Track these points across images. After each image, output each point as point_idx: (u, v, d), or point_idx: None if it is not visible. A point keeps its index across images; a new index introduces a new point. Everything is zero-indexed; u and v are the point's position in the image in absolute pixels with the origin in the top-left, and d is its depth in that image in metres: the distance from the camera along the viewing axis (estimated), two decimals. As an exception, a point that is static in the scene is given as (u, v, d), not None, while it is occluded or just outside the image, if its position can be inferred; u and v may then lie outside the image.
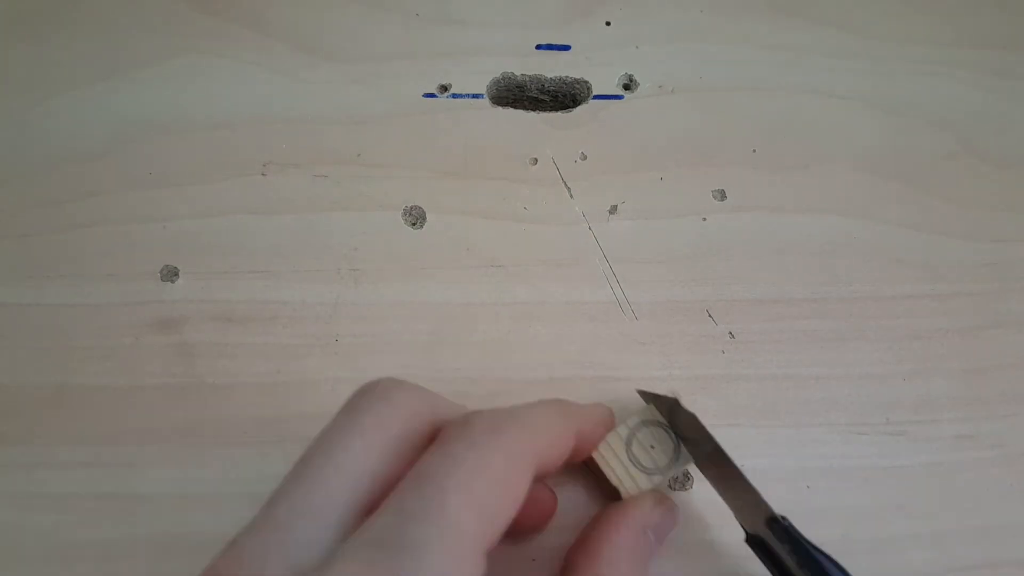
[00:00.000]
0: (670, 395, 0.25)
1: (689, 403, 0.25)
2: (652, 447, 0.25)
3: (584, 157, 0.31)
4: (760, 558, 0.24)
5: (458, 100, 0.32)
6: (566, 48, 0.33)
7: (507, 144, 0.31)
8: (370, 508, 0.18)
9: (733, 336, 0.29)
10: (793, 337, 0.29)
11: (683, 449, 0.25)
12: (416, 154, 0.31)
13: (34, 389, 0.28)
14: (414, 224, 0.30)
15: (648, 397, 0.26)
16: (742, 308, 0.29)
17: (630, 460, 0.25)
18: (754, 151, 0.32)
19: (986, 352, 0.29)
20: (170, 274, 0.29)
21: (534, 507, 0.25)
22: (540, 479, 0.22)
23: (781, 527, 0.22)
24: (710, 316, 0.29)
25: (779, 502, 0.22)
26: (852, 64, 0.33)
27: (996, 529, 0.27)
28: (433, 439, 0.20)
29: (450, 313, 0.29)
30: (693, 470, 0.27)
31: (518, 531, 0.25)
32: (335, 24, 0.33)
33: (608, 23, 0.33)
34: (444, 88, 0.32)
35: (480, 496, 0.18)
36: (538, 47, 0.33)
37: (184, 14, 0.32)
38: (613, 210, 0.31)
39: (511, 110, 0.32)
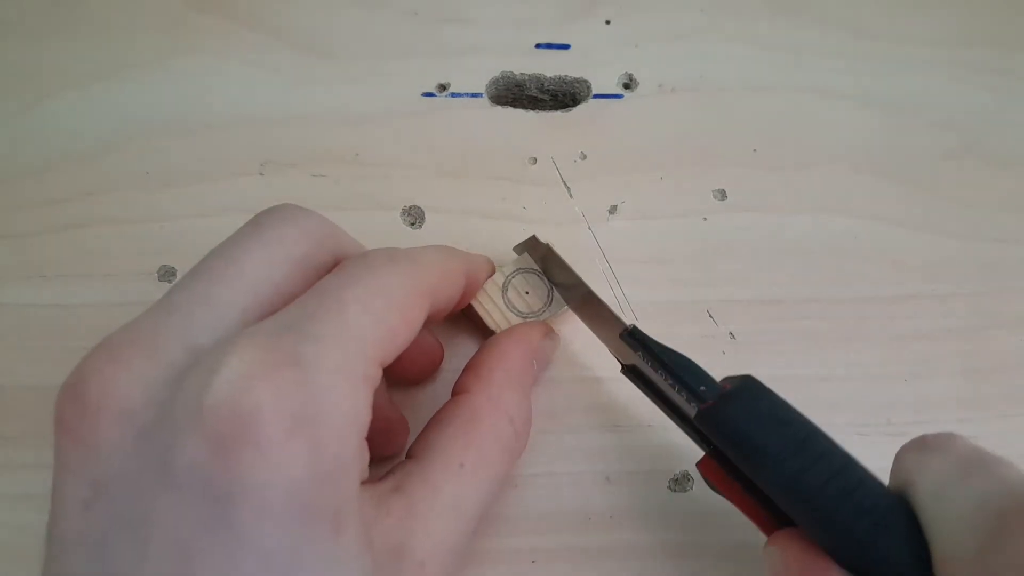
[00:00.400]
0: (530, 237, 0.26)
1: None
2: (527, 293, 0.27)
3: (584, 157, 0.31)
4: (636, 384, 0.24)
5: (457, 99, 0.32)
6: (566, 47, 0.33)
7: (506, 144, 0.31)
8: (269, 315, 0.18)
9: (733, 336, 0.29)
10: (793, 337, 0.29)
11: (556, 294, 0.27)
12: (415, 154, 0.31)
13: (34, 389, 0.27)
14: (413, 224, 0.30)
15: (521, 247, 0.28)
16: (742, 308, 0.29)
17: (506, 305, 0.27)
18: (754, 151, 0.32)
19: (986, 352, 0.29)
20: (167, 274, 0.29)
21: (423, 354, 0.26)
22: (435, 318, 0.22)
23: (629, 334, 0.23)
24: (710, 316, 0.29)
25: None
26: (852, 64, 0.33)
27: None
28: (333, 269, 0.20)
29: (449, 313, 0.29)
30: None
31: (407, 376, 0.27)
32: (333, 23, 0.32)
33: (608, 22, 0.33)
34: (443, 87, 0.32)
35: (377, 310, 0.19)
36: (537, 46, 0.33)
37: (181, 14, 0.32)
38: (613, 210, 0.31)
39: (510, 109, 0.32)
